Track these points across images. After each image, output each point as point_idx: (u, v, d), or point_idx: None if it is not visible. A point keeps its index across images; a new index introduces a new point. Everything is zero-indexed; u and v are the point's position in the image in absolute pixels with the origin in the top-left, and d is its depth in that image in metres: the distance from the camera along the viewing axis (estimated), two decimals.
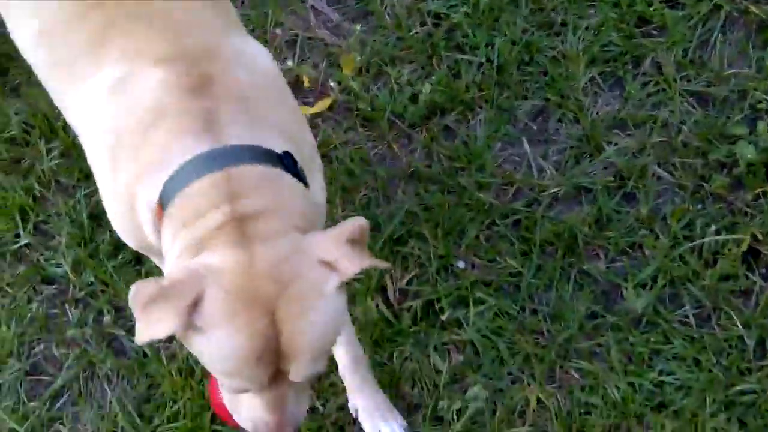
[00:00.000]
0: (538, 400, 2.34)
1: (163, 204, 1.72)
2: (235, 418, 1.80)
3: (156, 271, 2.30)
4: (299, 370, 1.64)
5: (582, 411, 2.33)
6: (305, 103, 2.75)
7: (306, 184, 1.77)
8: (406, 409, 2.36)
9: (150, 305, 1.58)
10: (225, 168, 1.66)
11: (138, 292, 1.59)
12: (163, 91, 1.74)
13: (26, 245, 2.62)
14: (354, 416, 2.33)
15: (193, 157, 1.68)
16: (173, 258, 1.68)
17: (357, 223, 1.67)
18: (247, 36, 1.98)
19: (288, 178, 1.72)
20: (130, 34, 1.81)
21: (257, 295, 1.58)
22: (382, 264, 1.65)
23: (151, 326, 1.57)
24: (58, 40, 1.89)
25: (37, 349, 2.52)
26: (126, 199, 1.80)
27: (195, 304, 1.58)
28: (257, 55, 1.92)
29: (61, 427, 2.42)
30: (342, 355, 2.28)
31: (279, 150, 1.74)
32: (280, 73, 1.95)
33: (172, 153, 1.71)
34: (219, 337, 1.59)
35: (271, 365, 1.63)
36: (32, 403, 2.44)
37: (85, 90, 1.85)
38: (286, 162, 1.73)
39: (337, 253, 1.61)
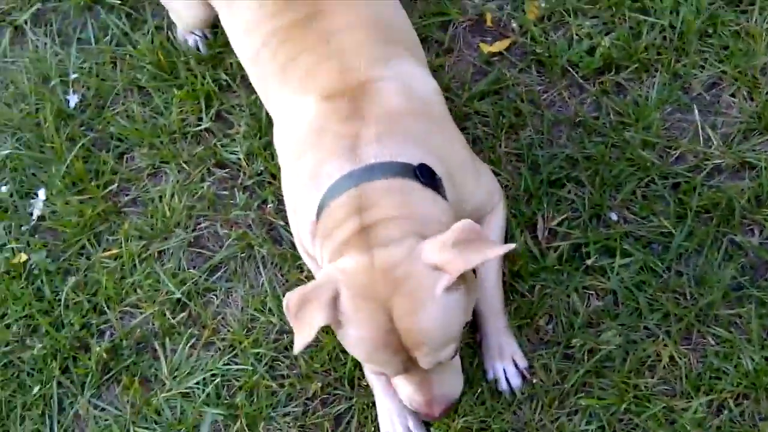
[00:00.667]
0: (671, 358, 2.38)
1: (318, 217, 2.04)
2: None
3: None
4: (424, 360, 1.92)
5: (712, 375, 2.35)
6: (484, 41, 2.84)
7: (443, 194, 2.05)
8: (538, 342, 2.44)
9: (299, 312, 1.91)
10: (360, 185, 1.97)
11: (288, 302, 1.92)
12: (322, 117, 2.10)
13: (206, 129, 2.80)
14: (477, 344, 2.41)
15: (337, 179, 2.00)
16: (324, 265, 2.01)
17: (462, 227, 1.89)
18: (413, 64, 2.26)
19: (418, 188, 2.00)
20: (305, 70, 2.17)
21: (375, 294, 1.88)
22: (494, 254, 1.86)
23: (303, 331, 1.88)
24: (260, 62, 2.31)
25: (202, 225, 2.69)
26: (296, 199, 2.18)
27: (334, 302, 1.89)
28: (416, 81, 2.22)
29: (213, 297, 2.59)
30: (480, 277, 2.37)
31: (416, 163, 2.02)
32: (438, 96, 2.28)
33: (322, 176, 2.04)
34: (350, 329, 1.90)
35: (399, 354, 1.92)
36: (191, 271, 2.60)
37: (274, 100, 2.30)
38: (421, 173, 2.01)
39: (445, 256, 1.85)
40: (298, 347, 1.88)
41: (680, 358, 2.37)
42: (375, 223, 1.94)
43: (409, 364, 1.94)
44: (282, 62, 2.23)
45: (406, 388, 2.04)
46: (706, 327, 2.41)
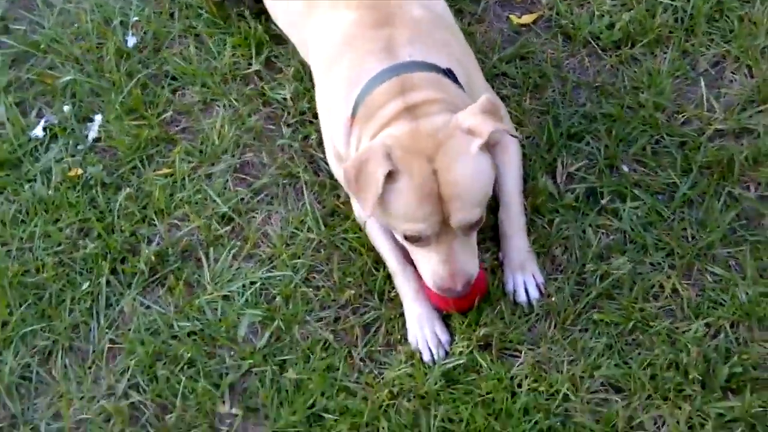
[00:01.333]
0: (673, 289, 2.61)
1: (353, 114, 2.36)
2: (422, 276, 2.38)
3: None
4: (457, 214, 2.24)
5: (710, 305, 2.58)
6: (513, 14, 3.12)
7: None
8: (553, 270, 2.66)
9: (360, 175, 2.21)
10: (400, 74, 2.33)
11: (347, 171, 2.22)
12: (355, 26, 2.45)
13: (256, 72, 3.04)
14: (500, 263, 2.64)
15: (378, 72, 2.34)
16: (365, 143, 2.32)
17: (486, 98, 2.27)
18: None
19: (450, 83, 2.37)
20: None
21: (421, 150, 2.22)
22: (508, 128, 2.32)
23: (369, 188, 2.18)
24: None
25: (248, 154, 2.92)
26: (330, 105, 2.51)
27: (389, 157, 2.20)
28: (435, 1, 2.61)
29: (255, 215, 2.80)
30: (503, 199, 2.62)
31: (444, 66, 2.38)
32: (449, 12, 2.67)
33: (360, 73, 2.38)
34: (402, 181, 2.21)
35: (437, 212, 2.23)
36: (238, 189, 2.83)
37: (306, 29, 2.65)
38: (449, 74, 2.38)
39: (475, 120, 2.23)
40: (369, 205, 2.17)
41: (682, 290, 2.60)
42: (417, 103, 2.28)
43: (441, 228, 2.24)
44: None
45: (430, 262, 2.32)
46: (706, 265, 2.64)
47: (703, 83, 2.94)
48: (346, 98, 2.42)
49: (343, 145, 2.45)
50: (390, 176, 2.20)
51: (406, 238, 2.32)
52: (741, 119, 2.86)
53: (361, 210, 2.63)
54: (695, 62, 3.00)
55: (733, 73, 2.98)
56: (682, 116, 2.89)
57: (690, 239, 2.69)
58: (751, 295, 2.57)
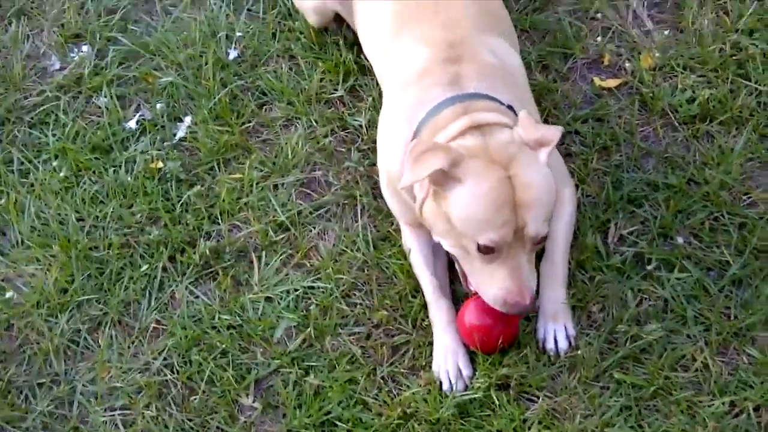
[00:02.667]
0: (704, 363, 2.59)
1: (415, 137, 2.49)
2: (484, 297, 2.43)
3: None
4: (533, 225, 2.31)
5: (739, 386, 2.55)
6: (598, 77, 3.18)
7: None
8: (587, 325, 2.68)
9: (420, 156, 2.32)
10: (464, 102, 2.46)
11: (416, 145, 2.34)
12: (428, 62, 2.60)
13: (339, 98, 3.20)
14: (535, 309, 2.68)
15: (442, 99, 2.49)
16: None
17: (526, 113, 2.44)
18: (505, 43, 2.76)
19: (510, 113, 2.49)
20: (417, 26, 2.69)
21: (497, 159, 2.33)
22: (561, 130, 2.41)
23: (420, 167, 2.30)
24: (379, 34, 2.88)
25: (317, 171, 3.06)
26: (392, 126, 2.64)
27: (457, 160, 2.31)
28: (508, 54, 2.74)
29: (312, 229, 2.93)
30: (548, 248, 2.67)
31: (506, 103, 2.52)
32: (523, 71, 2.79)
33: (425, 100, 2.52)
34: (476, 185, 2.30)
35: (512, 218, 2.30)
36: (299, 202, 2.97)
37: (386, 59, 2.80)
38: (511, 110, 2.51)
39: (537, 131, 2.38)
40: (406, 181, 2.30)
41: (713, 366, 2.58)
42: (483, 123, 2.40)
43: (514, 238, 2.31)
44: (397, 28, 2.75)
45: (497, 278, 2.36)
46: (743, 345, 2.62)
47: None
48: (408, 120, 2.54)
49: (400, 167, 2.54)
50: (455, 181, 2.31)
51: (479, 249, 2.34)
52: None
53: (406, 236, 2.73)
54: None
55: None
56: (748, 197, 2.88)
57: (732, 318, 2.66)
58: None
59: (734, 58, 3.14)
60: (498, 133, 2.41)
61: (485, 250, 2.34)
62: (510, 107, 2.52)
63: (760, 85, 3.07)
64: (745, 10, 3.22)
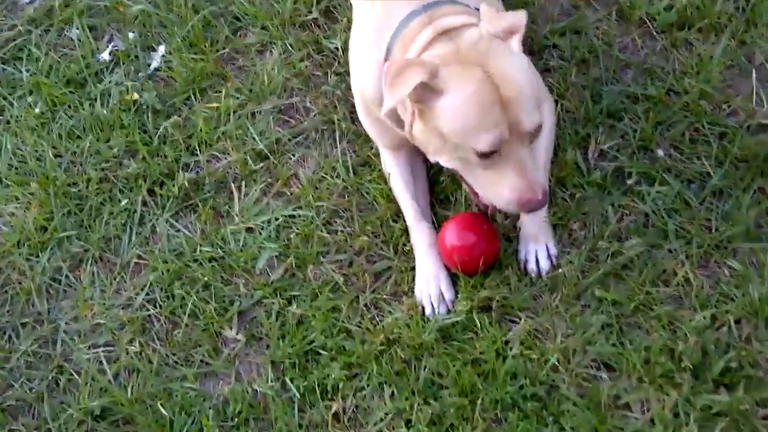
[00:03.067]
0: (685, 277, 2.60)
1: (387, 56, 2.42)
2: (497, 204, 2.36)
3: None
4: (526, 117, 2.25)
5: (720, 299, 2.57)
6: None
7: None
8: (569, 243, 2.68)
9: (397, 77, 2.24)
10: (428, 11, 2.39)
11: (389, 67, 2.25)
12: None
13: (314, 20, 3.14)
14: (516, 230, 2.68)
15: (406, 15, 2.42)
16: None
17: (488, 5, 2.39)
18: None
19: (474, 11, 2.41)
20: None
21: (471, 60, 2.27)
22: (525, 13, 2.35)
23: (399, 88, 2.23)
24: None
25: (294, 97, 3.02)
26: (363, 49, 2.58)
27: (435, 72, 2.23)
28: None
29: (291, 156, 2.91)
30: None
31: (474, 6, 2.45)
32: None
33: (392, 16, 2.44)
34: (458, 92, 2.24)
35: (502, 116, 2.24)
36: (277, 133, 2.94)
37: None
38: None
39: (503, 21, 2.33)
40: (388, 104, 2.24)
41: (694, 279, 2.59)
42: (450, 27, 2.35)
43: (511, 135, 2.25)
44: None
45: (504, 179, 2.29)
46: (724, 258, 2.62)
47: (754, 76, 2.89)
48: (377, 42, 2.48)
49: (374, 90, 2.51)
50: (437, 94, 2.26)
51: (481, 156, 2.28)
52: None
53: (385, 160, 2.72)
54: (752, 54, 2.94)
55: None
56: (728, 106, 2.85)
57: (713, 230, 2.66)
58: (763, 293, 2.54)
59: None
60: (466, 35, 2.35)
61: (485, 155, 2.28)
62: (477, 9, 2.44)
63: None
64: None
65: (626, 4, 3.02)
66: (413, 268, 2.67)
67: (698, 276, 2.60)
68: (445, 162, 2.38)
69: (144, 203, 2.88)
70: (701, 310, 2.53)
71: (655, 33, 2.99)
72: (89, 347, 2.68)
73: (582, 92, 2.90)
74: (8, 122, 3.09)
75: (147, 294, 2.73)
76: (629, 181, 2.74)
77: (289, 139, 2.94)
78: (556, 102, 2.85)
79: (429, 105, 2.29)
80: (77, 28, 3.23)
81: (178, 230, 2.83)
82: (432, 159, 2.42)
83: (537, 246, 2.64)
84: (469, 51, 2.31)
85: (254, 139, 2.93)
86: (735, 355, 2.44)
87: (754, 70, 2.90)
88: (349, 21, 3.07)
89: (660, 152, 2.79)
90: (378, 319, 2.61)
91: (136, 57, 3.15)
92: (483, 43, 2.31)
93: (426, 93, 2.26)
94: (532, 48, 2.95)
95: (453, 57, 2.31)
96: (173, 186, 2.87)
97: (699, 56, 2.92)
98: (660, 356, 2.46)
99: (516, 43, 2.32)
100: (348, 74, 2.96)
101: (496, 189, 2.32)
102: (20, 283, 2.80)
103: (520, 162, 2.29)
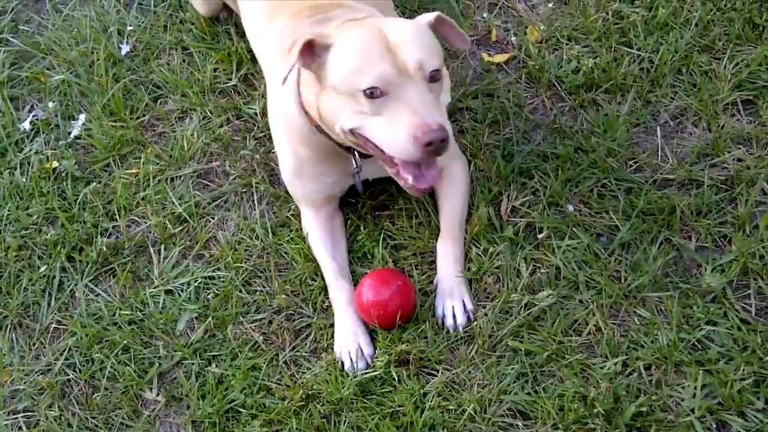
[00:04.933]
0: (596, 326, 2.67)
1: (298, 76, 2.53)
2: (396, 149, 2.31)
3: None
4: (413, 55, 2.29)
5: (630, 346, 2.63)
6: (487, 53, 3.24)
7: None
8: (483, 297, 2.74)
9: (291, 45, 2.36)
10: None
11: (283, 45, 2.40)
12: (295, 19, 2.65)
13: (233, 87, 3.21)
14: (434, 286, 2.73)
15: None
16: None
17: None
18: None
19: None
20: (288, 7, 2.71)
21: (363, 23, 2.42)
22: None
23: (293, 51, 2.33)
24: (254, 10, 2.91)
25: (213, 162, 3.07)
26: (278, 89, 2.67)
27: (323, 37, 2.35)
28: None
29: (210, 219, 2.95)
30: (443, 226, 2.73)
31: None
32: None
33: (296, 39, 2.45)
34: (344, 39, 2.33)
35: (387, 54, 2.29)
36: (196, 193, 2.98)
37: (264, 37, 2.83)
38: None
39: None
40: (286, 70, 2.32)
41: (605, 328, 2.66)
42: (350, 18, 2.50)
43: (400, 77, 2.28)
44: (270, 15, 2.78)
45: (399, 119, 2.27)
46: (633, 307, 2.70)
47: (660, 133, 3.01)
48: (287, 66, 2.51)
49: (295, 108, 2.58)
50: (329, 48, 2.34)
51: (369, 97, 2.28)
52: (691, 170, 2.91)
53: (305, 219, 2.76)
54: (657, 113, 3.07)
55: (694, 125, 3.04)
56: (635, 163, 2.96)
57: (622, 281, 2.74)
58: (671, 339, 2.61)
59: (617, 26, 3.21)
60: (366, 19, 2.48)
61: (372, 94, 2.27)
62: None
63: (642, 51, 3.15)
64: None
65: (535, 67, 3.14)
66: (332, 325, 2.70)
67: (609, 324, 2.67)
68: (347, 122, 2.37)
69: (63, 269, 2.89)
70: (612, 357, 2.59)
71: (563, 94, 3.11)
72: (8, 413, 2.66)
73: (494, 152, 2.99)
74: None
75: (66, 359, 2.72)
76: (540, 236, 2.81)
77: (209, 203, 2.98)
78: (470, 162, 2.93)
79: (322, 63, 2.36)
80: None
81: (98, 294, 2.84)
82: (338, 129, 2.41)
83: (454, 302, 2.69)
84: (366, 20, 2.45)
85: (173, 203, 2.97)
86: (646, 399, 2.50)
87: (658, 128, 3.02)
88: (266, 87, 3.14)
89: (570, 208, 2.88)
90: (297, 376, 2.63)
91: (57, 126, 3.19)
92: (380, 18, 2.48)
93: (319, 52, 2.35)
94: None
95: (346, 22, 2.44)
96: (92, 251, 2.89)
97: (606, 116, 3.04)
98: (573, 403, 2.50)
99: (425, 19, 2.44)
100: (267, 138, 3.03)
101: (393, 135, 2.29)
102: None
103: (411, 102, 2.27)
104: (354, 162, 2.62)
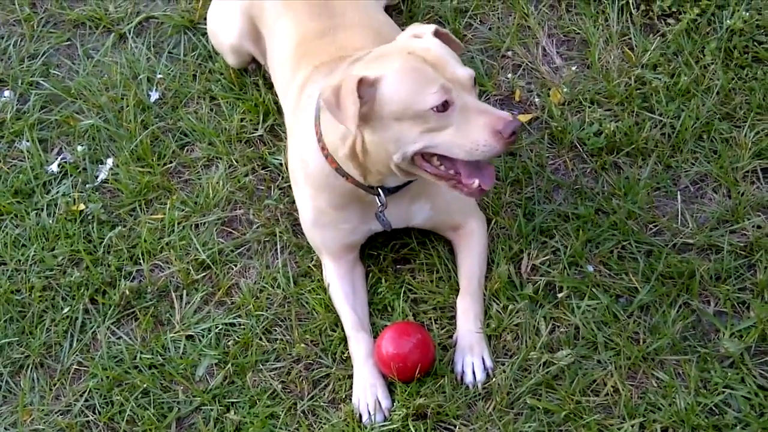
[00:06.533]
0: (614, 387, 2.68)
1: (317, 124, 2.62)
2: (477, 149, 2.40)
3: None
4: (456, 68, 2.44)
5: (648, 408, 2.65)
6: (511, 112, 3.28)
7: None
8: (502, 353, 2.76)
9: (336, 95, 2.38)
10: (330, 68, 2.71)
11: (325, 98, 2.40)
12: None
13: (259, 137, 3.26)
14: (453, 342, 2.75)
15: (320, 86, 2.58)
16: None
17: None
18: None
19: None
20: (315, 57, 2.80)
21: (390, 53, 2.51)
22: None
23: (346, 99, 2.35)
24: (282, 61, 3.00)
25: (238, 210, 3.11)
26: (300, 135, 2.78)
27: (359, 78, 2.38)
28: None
29: (233, 267, 2.98)
30: (462, 282, 2.76)
31: None
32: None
33: (313, 94, 2.68)
34: (390, 68, 2.41)
35: (436, 72, 2.40)
36: (220, 240, 3.02)
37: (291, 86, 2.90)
38: None
39: (407, 32, 2.59)
40: (350, 116, 2.34)
41: (623, 389, 2.67)
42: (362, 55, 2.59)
43: (455, 88, 2.40)
44: (296, 65, 2.85)
45: (474, 122, 2.38)
46: (651, 369, 2.71)
47: (680, 198, 3.05)
48: (306, 120, 2.69)
49: (315, 161, 2.67)
50: (371, 85, 2.38)
51: (438, 110, 2.37)
52: (712, 236, 2.94)
53: (326, 270, 2.79)
54: (677, 178, 3.10)
55: (714, 191, 3.07)
56: (655, 226, 2.99)
57: (640, 343, 2.76)
58: (689, 403, 2.62)
59: (639, 91, 3.26)
60: (374, 49, 2.56)
61: (441, 107, 2.37)
62: None
63: (663, 117, 3.20)
64: (649, 45, 3.36)
65: (558, 129, 3.19)
66: (351, 376, 2.71)
67: (626, 386, 2.68)
68: (414, 145, 2.43)
69: (86, 311, 2.91)
70: (629, 419, 2.60)
71: (585, 156, 3.15)
72: None
73: (515, 210, 3.03)
74: None
75: (86, 400, 2.74)
76: (560, 295, 2.84)
77: (232, 250, 3.01)
78: (491, 220, 2.97)
79: (372, 99, 2.40)
80: (27, 141, 3.31)
81: (119, 337, 2.86)
82: (397, 158, 2.47)
83: (473, 358, 2.71)
84: (386, 49, 2.51)
85: (197, 249, 3.00)
86: None
87: (679, 193, 3.06)
88: None
89: (590, 268, 2.91)
90: (315, 426, 2.64)
91: (84, 169, 3.23)
92: (396, 43, 2.54)
93: (365, 90, 2.38)
94: None
95: (374, 57, 2.49)
96: (115, 294, 2.91)
97: (627, 179, 3.07)
98: None
99: (429, 30, 2.52)
100: (291, 189, 3.07)
101: (471, 137, 2.39)
102: None
103: (475, 105, 2.41)
104: (379, 201, 2.65)
